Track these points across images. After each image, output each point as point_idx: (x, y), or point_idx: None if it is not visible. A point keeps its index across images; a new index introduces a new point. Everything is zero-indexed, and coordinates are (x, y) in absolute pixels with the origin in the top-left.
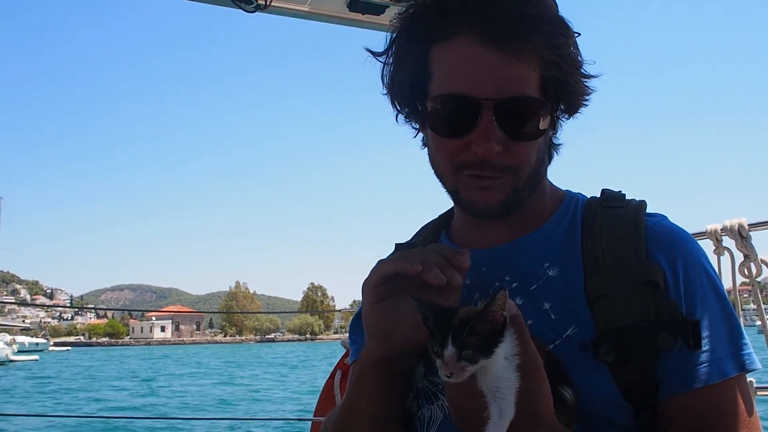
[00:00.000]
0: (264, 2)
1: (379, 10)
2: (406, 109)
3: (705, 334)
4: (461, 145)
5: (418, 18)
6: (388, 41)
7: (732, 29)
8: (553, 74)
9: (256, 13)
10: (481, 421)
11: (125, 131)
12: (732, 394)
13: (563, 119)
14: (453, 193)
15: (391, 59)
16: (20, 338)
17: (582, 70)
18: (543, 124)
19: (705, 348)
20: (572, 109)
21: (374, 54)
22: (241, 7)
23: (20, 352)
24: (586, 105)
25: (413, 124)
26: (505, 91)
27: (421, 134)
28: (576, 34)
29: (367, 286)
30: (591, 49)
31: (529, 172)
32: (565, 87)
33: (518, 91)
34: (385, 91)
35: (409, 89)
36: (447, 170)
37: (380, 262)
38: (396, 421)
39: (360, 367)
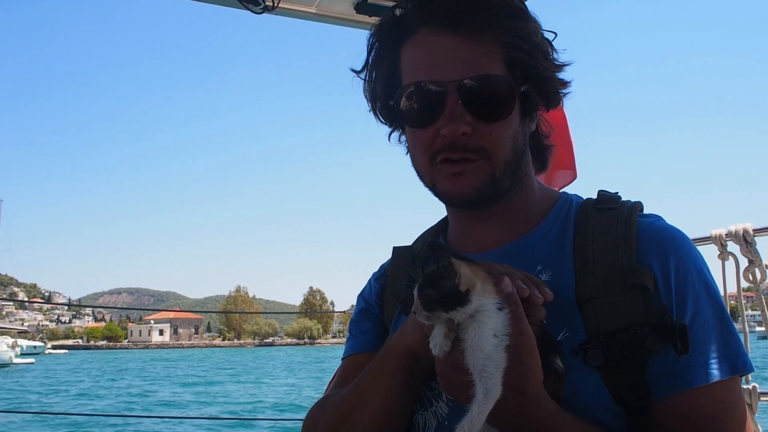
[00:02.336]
0: (272, 4)
1: (387, 12)
2: (388, 119)
3: (695, 336)
4: (432, 134)
5: (387, 26)
6: (364, 59)
7: (741, 31)
8: (517, 56)
9: (264, 14)
10: (469, 396)
11: (124, 133)
12: (723, 396)
13: (541, 109)
14: (432, 187)
15: (369, 74)
16: (18, 341)
17: (553, 57)
18: (510, 105)
19: (695, 351)
20: (549, 99)
21: (356, 72)
22: (249, 9)
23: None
24: (563, 94)
25: (401, 140)
26: (467, 71)
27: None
28: (552, 34)
29: None
30: (597, 49)
31: (505, 158)
32: (532, 70)
33: (480, 70)
34: (369, 107)
35: (384, 93)
36: (423, 163)
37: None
38: (404, 417)
39: (385, 351)
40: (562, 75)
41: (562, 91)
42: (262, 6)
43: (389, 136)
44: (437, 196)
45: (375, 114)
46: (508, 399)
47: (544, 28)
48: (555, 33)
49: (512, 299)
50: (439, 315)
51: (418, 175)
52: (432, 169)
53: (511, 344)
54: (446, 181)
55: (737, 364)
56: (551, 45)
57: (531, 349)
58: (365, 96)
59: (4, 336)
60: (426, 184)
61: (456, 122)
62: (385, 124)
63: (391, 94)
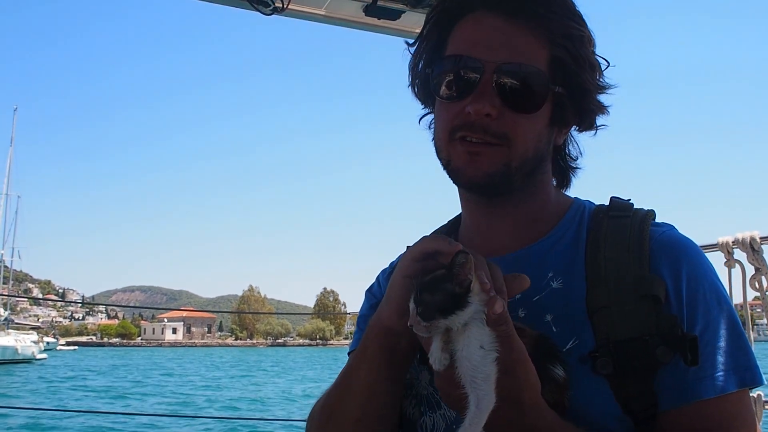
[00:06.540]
0: (281, 5)
1: (395, 15)
2: (423, 93)
3: (705, 348)
4: (458, 109)
5: (447, 3)
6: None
7: (748, 43)
8: (562, 57)
9: (273, 15)
10: (465, 407)
11: (140, 134)
12: (731, 409)
13: (575, 129)
14: (447, 165)
15: (419, 45)
16: (42, 337)
17: (598, 79)
18: (540, 101)
19: (704, 362)
20: (582, 116)
21: (409, 45)
22: (258, 10)
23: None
24: (600, 116)
25: (431, 126)
26: (509, 56)
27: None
28: (605, 62)
29: (406, 257)
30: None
31: (524, 153)
32: (574, 77)
33: (521, 59)
34: (409, 81)
35: (426, 62)
36: (443, 138)
37: (424, 238)
38: (391, 407)
39: (366, 332)
40: (603, 99)
41: (599, 116)
42: (271, 7)
43: (420, 120)
44: (449, 174)
45: (413, 88)
46: (504, 410)
47: (598, 54)
48: (608, 62)
49: (502, 319)
50: (437, 324)
51: (436, 151)
52: (449, 145)
53: (502, 358)
54: (461, 159)
55: (746, 377)
56: (600, 67)
57: (523, 361)
58: (409, 68)
59: (29, 332)
60: (441, 160)
61: (484, 101)
62: (419, 99)
63: (431, 64)
